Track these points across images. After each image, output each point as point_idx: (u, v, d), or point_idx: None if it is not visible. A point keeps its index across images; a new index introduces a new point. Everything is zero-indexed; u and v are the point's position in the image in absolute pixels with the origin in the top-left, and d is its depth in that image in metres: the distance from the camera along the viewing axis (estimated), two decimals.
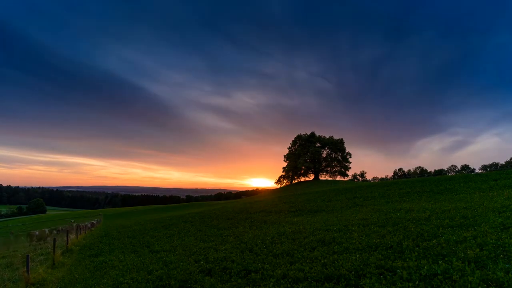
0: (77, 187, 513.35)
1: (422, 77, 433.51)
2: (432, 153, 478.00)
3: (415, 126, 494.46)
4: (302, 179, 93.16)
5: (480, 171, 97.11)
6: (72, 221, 50.33)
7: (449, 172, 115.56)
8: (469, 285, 4.55)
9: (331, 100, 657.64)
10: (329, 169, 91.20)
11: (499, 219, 8.47)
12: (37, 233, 22.92)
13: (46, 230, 24.20)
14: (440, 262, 5.67)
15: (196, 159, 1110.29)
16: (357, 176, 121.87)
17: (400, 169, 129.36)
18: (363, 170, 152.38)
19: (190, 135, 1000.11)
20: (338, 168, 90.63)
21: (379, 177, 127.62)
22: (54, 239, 13.51)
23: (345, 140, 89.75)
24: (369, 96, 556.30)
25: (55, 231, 25.95)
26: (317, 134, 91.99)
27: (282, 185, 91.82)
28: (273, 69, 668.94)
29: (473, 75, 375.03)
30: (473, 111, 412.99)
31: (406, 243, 7.50)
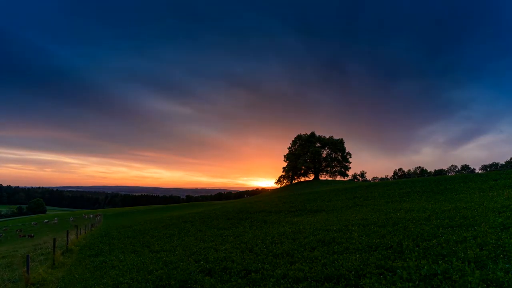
0: (77, 187, 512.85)
1: (423, 25, 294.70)
2: (436, 146, 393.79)
3: (416, 104, 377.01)
4: (302, 179, 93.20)
5: (480, 171, 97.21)
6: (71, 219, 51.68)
7: (449, 172, 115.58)
8: (469, 285, 4.55)
9: (300, 65, 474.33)
10: (329, 169, 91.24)
11: (499, 219, 8.47)
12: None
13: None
14: (440, 262, 5.67)
15: (168, 155, 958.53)
16: (357, 176, 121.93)
17: (400, 169, 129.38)
18: (363, 170, 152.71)
19: (143, 123, 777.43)
20: (338, 168, 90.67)
21: (379, 177, 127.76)
22: (54, 239, 13.52)
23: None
24: (351, 59, 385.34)
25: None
26: (317, 134, 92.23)
27: (282, 185, 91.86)
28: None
29: (497, 24, 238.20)
30: (492, 82, 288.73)
31: (406, 243, 7.50)
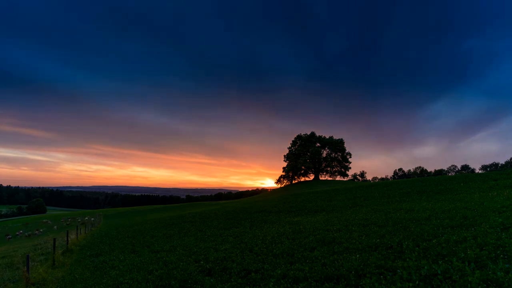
0: (77, 187, 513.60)
1: None
2: (445, 134, 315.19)
3: (416, 60, 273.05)
4: (302, 179, 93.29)
5: (480, 171, 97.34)
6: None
7: (449, 172, 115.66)
8: (469, 285, 4.55)
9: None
10: (329, 169, 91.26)
11: (499, 219, 8.46)
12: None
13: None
14: (440, 262, 5.67)
15: (139, 151, 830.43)
16: (357, 176, 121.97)
17: (400, 169, 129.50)
18: (362, 170, 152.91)
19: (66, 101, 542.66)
20: (338, 168, 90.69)
21: (379, 177, 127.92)
22: (54, 239, 13.51)
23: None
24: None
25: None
26: (317, 134, 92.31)
27: (282, 185, 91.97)
28: None
29: None
30: None
31: (406, 243, 7.50)
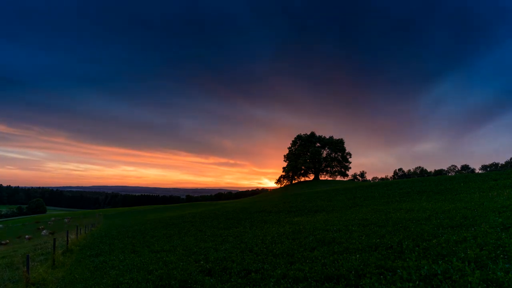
0: (77, 187, 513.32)
1: None
2: (448, 127, 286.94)
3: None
4: (302, 179, 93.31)
5: (480, 171, 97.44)
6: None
7: (449, 172, 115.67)
8: (469, 285, 4.55)
9: None
10: (329, 169, 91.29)
11: (499, 219, 8.46)
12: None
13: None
14: (440, 262, 5.67)
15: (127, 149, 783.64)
16: (357, 176, 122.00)
17: (400, 169, 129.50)
18: (363, 170, 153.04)
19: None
20: (338, 168, 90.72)
21: (379, 177, 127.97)
22: (54, 239, 13.51)
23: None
24: None
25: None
26: (317, 133, 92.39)
27: (282, 185, 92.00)
28: None
29: None
30: None
31: (406, 243, 7.50)
